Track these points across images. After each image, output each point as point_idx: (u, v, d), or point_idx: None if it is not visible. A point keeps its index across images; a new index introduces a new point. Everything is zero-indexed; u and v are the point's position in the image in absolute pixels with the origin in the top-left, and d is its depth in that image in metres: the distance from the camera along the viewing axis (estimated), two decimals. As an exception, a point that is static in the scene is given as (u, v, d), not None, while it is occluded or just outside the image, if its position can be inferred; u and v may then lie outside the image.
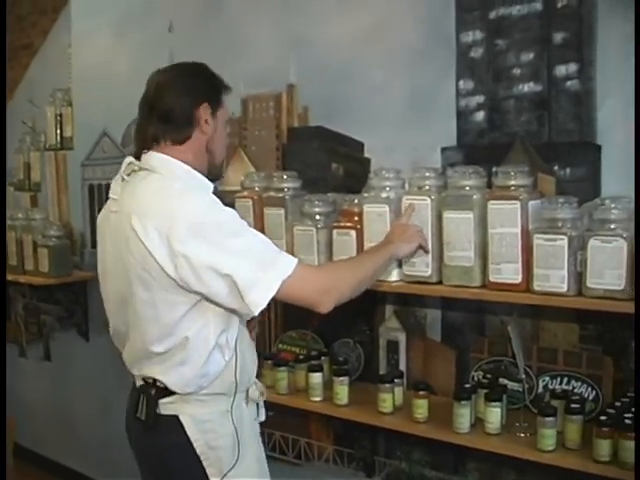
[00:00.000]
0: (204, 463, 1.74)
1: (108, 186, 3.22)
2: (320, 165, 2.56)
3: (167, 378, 1.70)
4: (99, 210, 3.36)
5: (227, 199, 2.73)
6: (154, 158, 1.70)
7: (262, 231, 2.36)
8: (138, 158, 1.73)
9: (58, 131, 3.52)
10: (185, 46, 2.97)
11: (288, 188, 2.36)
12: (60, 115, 3.49)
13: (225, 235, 1.59)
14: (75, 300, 3.45)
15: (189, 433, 1.73)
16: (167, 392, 1.71)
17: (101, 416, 3.45)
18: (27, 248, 3.31)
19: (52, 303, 3.68)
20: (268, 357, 2.59)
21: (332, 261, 2.11)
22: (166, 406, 1.73)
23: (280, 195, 2.34)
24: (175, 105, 1.70)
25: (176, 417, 1.73)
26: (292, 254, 2.27)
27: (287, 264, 1.63)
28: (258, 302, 1.59)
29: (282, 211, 2.32)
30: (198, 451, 1.73)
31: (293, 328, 2.71)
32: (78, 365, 3.59)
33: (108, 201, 1.78)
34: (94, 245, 3.34)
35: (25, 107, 4.10)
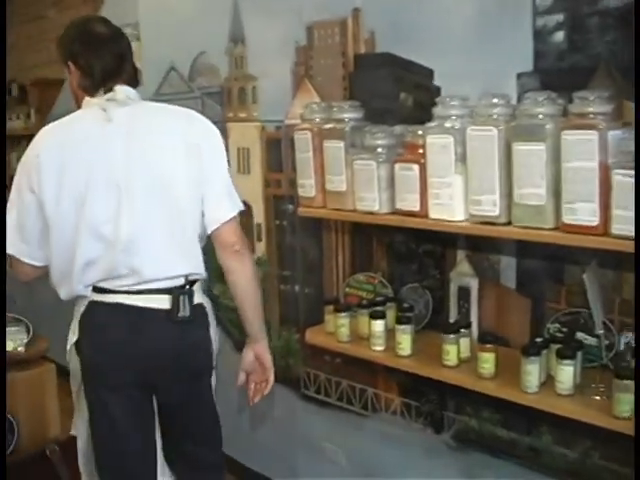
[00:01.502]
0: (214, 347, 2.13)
1: None
2: (388, 95, 2.43)
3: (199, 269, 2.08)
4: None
5: (292, 133, 2.71)
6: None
7: (321, 166, 2.31)
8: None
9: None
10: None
11: (349, 119, 2.25)
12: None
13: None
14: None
15: (210, 319, 2.11)
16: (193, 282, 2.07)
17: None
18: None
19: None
20: (329, 301, 2.53)
21: None
22: (196, 295, 2.07)
23: (340, 127, 2.24)
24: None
25: (201, 305, 2.09)
26: (352, 191, 2.23)
27: None
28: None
29: (342, 144, 2.23)
30: (212, 337, 2.13)
31: (361, 271, 2.63)
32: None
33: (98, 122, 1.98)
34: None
35: None
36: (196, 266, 2.06)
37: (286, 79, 2.76)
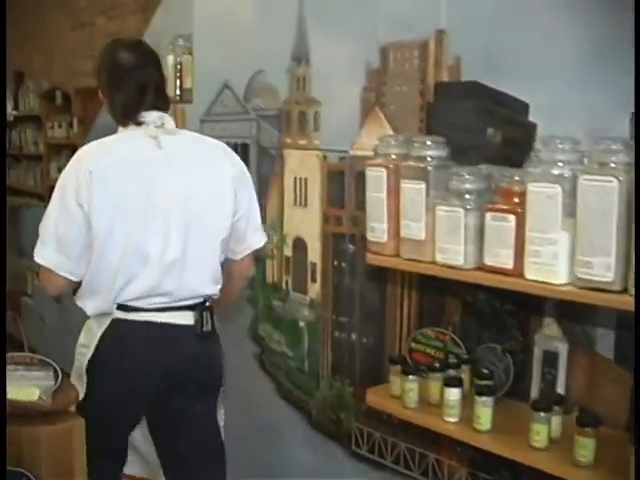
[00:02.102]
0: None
1: (229, 145, 2.99)
2: (473, 129, 2.15)
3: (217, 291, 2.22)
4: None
5: (360, 167, 2.44)
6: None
7: (396, 208, 2.04)
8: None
9: (177, 82, 3.27)
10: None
11: (432, 157, 1.98)
12: (180, 64, 3.25)
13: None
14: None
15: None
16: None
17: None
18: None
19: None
20: (396, 360, 2.25)
21: None
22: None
23: (421, 165, 1.97)
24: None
25: (215, 323, 2.22)
26: (432, 240, 1.96)
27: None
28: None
29: (423, 185, 1.95)
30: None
31: (429, 324, 2.35)
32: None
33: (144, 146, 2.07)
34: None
35: None
36: (217, 287, 2.21)
37: (353, 105, 2.50)
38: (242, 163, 2.23)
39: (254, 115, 2.90)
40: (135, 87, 2.10)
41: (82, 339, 2.19)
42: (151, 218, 2.04)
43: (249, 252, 2.25)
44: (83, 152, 2.08)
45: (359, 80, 2.48)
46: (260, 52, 2.85)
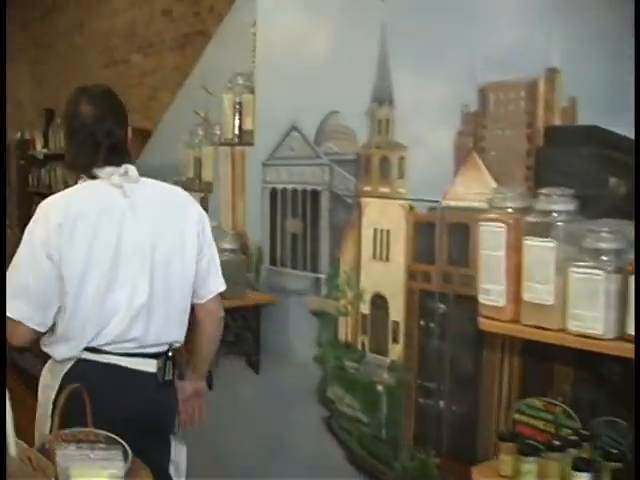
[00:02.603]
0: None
1: (295, 192, 2.79)
2: (592, 180, 1.95)
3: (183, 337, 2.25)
4: (282, 219, 2.86)
5: (455, 218, 2.21)
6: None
7: (517, 269, 1.81)
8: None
9: (236, 123, 3.07)
10: (400, 18, 2.43)
11: (559, 211, 1.75)
12: (239, 104, 3.06)
13: None
14: (245, 325, 3.00)
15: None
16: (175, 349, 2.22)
17: (267, 457, 2.99)
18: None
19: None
20: (508, 437, 1.99)
21: None
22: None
23: (549, 220, 1.74)
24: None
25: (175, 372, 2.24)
26: (562, 305, 1.72)
27: None
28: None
29: (552, 243, 1.72)
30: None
31: (534, 394, 2.10)
32: (243, 399, 3.14)
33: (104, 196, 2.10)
34: (274, 261, 2.91)
35: (198, 95, 3.72)
36: (182, 335, 2.24)
37: (445, 151, 2.30)
38: (203, 211, 2.28)
39: (327, 160, 2.69)
40: (89, 143, 2.12)
41: (45, 379, 2.19)
42: (120, 266, 2.09)
43: (212, 295, 2.28)
44: (48, 205, 2.10)
45: (452, 123, 2.27)
46: (334, 92, 2.65)
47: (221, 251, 2.81)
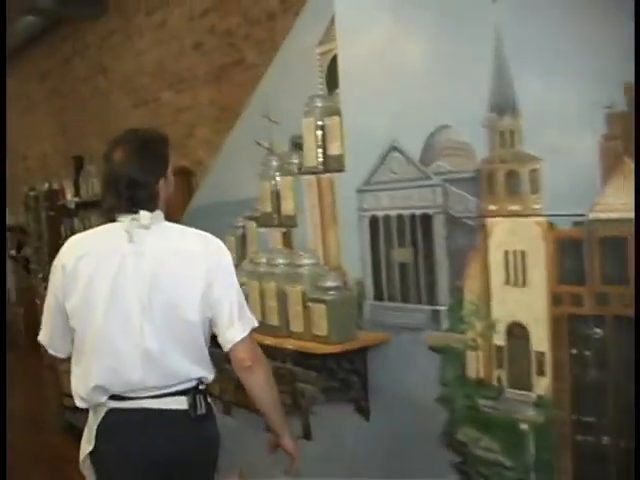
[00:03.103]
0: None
1: (401, 218, 2.54)
2: None
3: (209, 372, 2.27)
4: (387, 249, 2.63)
5: (608, 232, 1.98)
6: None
7: None
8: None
9: (319, 149, 2.83)
10: (516, 17, 2.21)
11: None
12: (322, 127, 2.82)
13: None
14: (352, 368, 2.74)
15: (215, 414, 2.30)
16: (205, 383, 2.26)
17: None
18: (294, 303, 2.64)
19: (312, 369, 2.98)
20: None
21: None
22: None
23: None
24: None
25: (210, 403, 2.28)
26: None
27: None
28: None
29: None
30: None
31: None
32: (352, 448, 2.87)
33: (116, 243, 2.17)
34: (380, 296, 2.67)
35: (259, 125, 3.51)
36: (207, 369, 2.27)
37: (589, 158, 2.05)
38: (223, 254, 2.25)
39: (437, 180, 2.45)
40: (114, 188, 2.18)
41: (84, 437, 2.26)
42: (120, 311, 2.14)
43: (231, 345, 2.22)
44: (66, 244, 2.26)
45: (595, 127, 2.03)
46: (439, 105, 2.43)
47: (324, 290, 2.58)
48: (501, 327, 2.33)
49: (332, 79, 3.17)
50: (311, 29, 3.23)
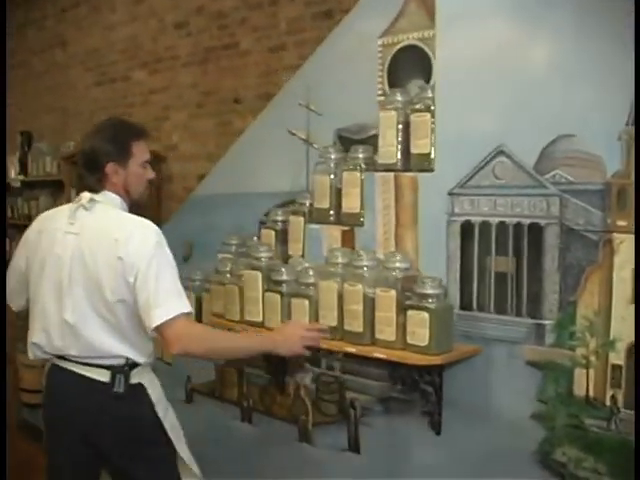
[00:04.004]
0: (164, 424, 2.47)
1: (503, 225, 2.39)
2: None
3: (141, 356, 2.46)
4: (481, 256, 2.48)
5: None
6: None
7: None
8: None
9: (399, 146, 2.64)
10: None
11: None
12: (406, 124, 2.62)
13: None
14: (429, 380, 2.55)
15: (152, 398, 2.45)
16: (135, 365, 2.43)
17: None
18: (385, 309, 2.44)
19: (368, 377, 2.79)
20: None
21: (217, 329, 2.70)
22: (134, 376, 2.43)
23: None
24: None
25: (141, 385, 2.43)
26: None
27: None
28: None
29: None
30: (160, 415, 2.46)
31: None
32: (416, 463, 2.68)
33: (52, 222, 2.53)
34: (468, 305, 2.51)
35: (293, 114, 3.28)
36: (137, 351, 2.40)
37: None
38: (149, 241, 2.32)
39: (554, 190, 2.31)
40: (80, 169, 2.52)
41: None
42: (54, 282, 2.41)
43: (152, 332, 2.31)
44: (37, 218, 2.68)
45: None
46: (563, 111, 2.29)
47: (423, 297, 2.39)
48: (621, 346, 2.22)
49: (395, 74, 3.00)
50: (374, 18, 3.04)
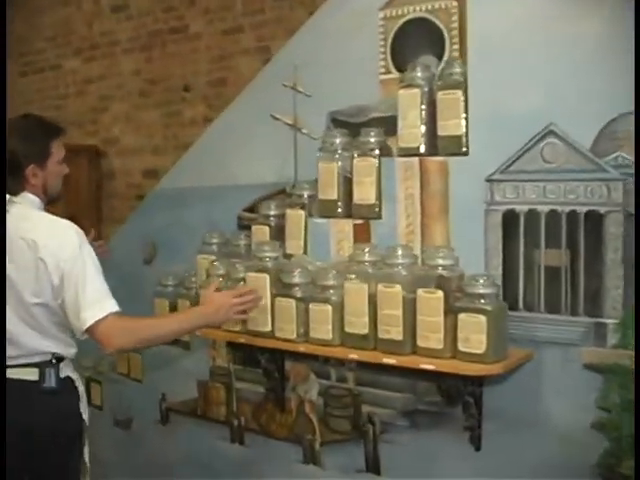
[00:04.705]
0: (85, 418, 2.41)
1: (554, 214, 2.14)
2: None
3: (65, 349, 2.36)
4: (528, 249, 2.21)
5: None
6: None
7: None
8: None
9: (423, 127, 2.32)
10: None
11: None
12: (431, 102, 2.31)
13: None
14: (470, 391, 2.23)
15: (80, 392, 2.39)
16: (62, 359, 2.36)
17: None
18: (431, 313, 2.10)
19: (388, 388, 2.46)
20: None
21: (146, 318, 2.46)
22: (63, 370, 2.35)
23: None
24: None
25: (70, 378, 2.37)
26: None
27: None
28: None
29: None
30: (82, 410, 2.40)
31: None
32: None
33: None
34: (513, 304, 2.23)
35: (276, 97, 2.93)
36: (63, 345, 2.32)
37: None
38: (68, 245, 2.24)
39: (616, 174, 2.04)
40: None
41: None
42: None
43: (81, 332, 2.23)
44: None
45: None
46: (625, 87, 2.00)
47: (476, 298, 2.06)
48: (703, 350, 1.97)
49: (400, 50, 2.68)
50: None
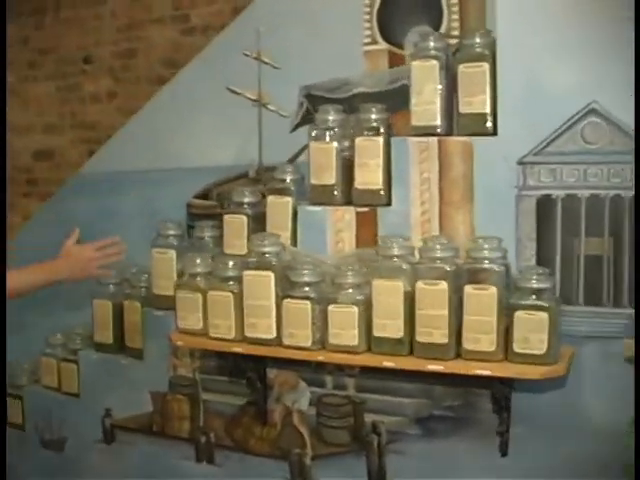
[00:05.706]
0: None
1: (596, 199, 2.02)
2: None
3: None
4: (565, 238, 2.08)
5: None
6: None
7: None
8: None
9: (441, 103, 2.08)
10: None
11: None
12: (451, 76, 2.07)
13: None
14: (502, 394, 2.01)
15: None
16: None
17: None
18: (482, 312, 1.85)
19: (394, 394, 2.20)
20: None
21: None
22: None
23: None
24: None
25: None
26: None
27: None
28: None
29: None
30: None
31: None
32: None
33: None
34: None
35: (239, 68, 2.61)
36: None
37: None
38: None
39: (668, 156, 1.90)
40: None
41: None
42: None
43: None
44: None
45: None
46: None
47: (533, 293, 1.84)
48: None
49: (388, 18, 2.43)
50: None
